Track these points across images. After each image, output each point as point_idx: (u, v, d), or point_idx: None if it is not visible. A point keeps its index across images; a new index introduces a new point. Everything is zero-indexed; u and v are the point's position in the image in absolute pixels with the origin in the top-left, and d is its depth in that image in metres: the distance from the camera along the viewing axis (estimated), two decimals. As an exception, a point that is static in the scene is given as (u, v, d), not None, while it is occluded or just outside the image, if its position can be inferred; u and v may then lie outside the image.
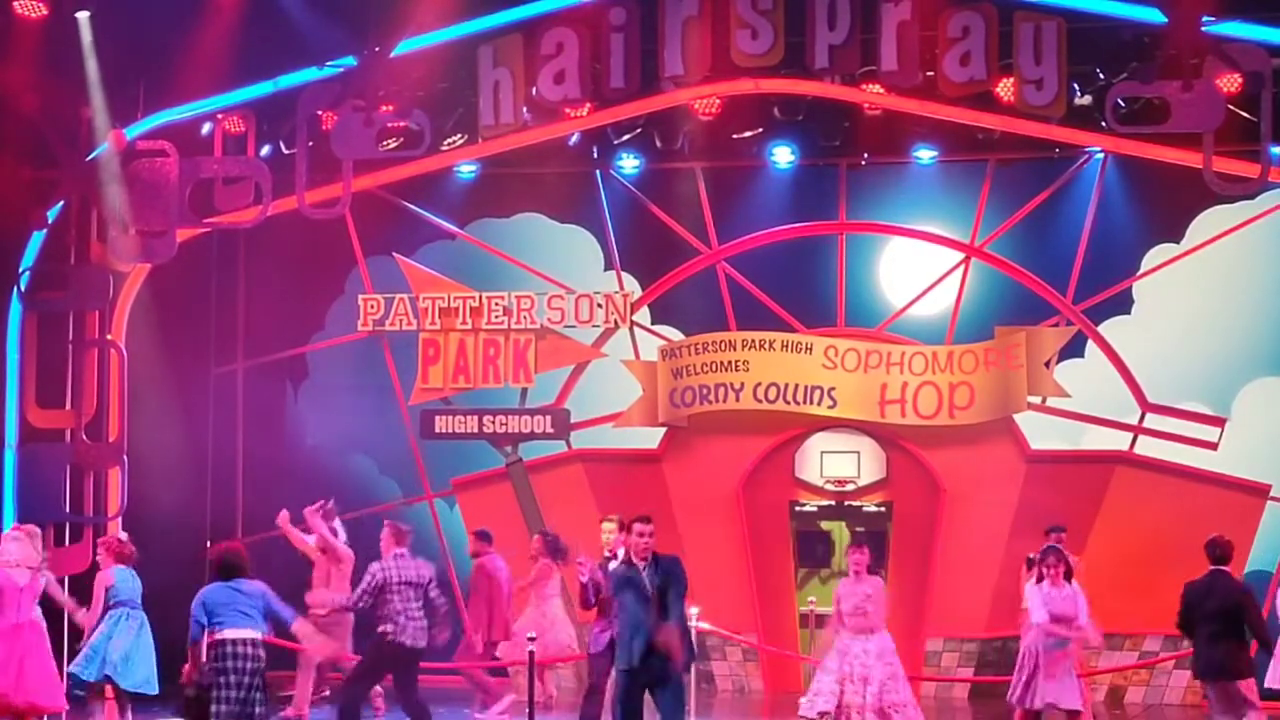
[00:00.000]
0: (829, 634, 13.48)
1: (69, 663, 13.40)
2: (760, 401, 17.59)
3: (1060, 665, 12.77)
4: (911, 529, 17.52)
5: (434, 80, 16.50)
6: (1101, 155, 17.20)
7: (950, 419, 17.38)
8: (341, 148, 16.07)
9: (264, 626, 10.92)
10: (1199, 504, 16.49)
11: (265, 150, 16.70)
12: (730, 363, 17.72)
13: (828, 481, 17.76)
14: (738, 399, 17.62)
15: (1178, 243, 17.35)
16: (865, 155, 17.71)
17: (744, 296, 18.01)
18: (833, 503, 17.82)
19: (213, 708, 10.71)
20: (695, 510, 17.44)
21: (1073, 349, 17.40)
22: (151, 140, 16.61)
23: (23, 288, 17.01)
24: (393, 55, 16.07)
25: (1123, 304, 17.49)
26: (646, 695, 10.94)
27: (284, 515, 14.84)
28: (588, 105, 16.49)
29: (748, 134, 17.31)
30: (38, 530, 13.13)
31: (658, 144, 17.35)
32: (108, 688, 13.46)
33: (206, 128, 16.76)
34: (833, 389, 17.55)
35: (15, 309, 17.00)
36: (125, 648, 13.23)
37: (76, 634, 13.72)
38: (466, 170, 18.25)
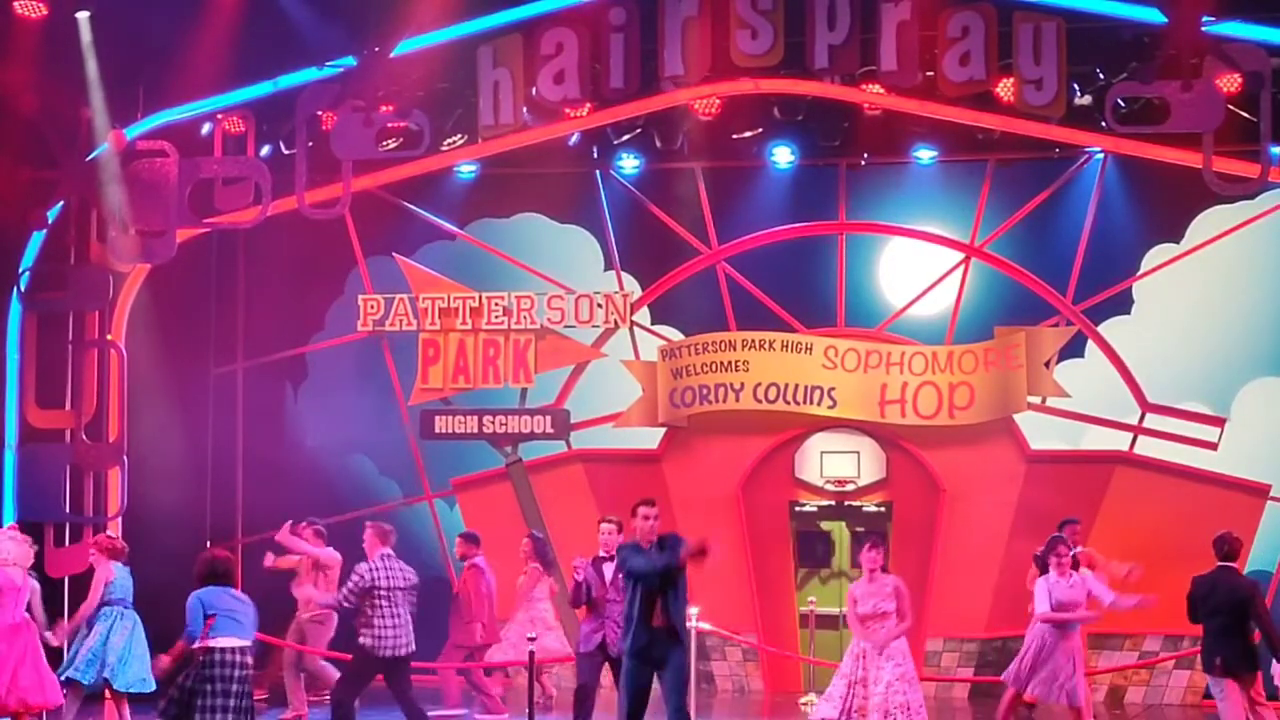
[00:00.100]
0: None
1: (66, 664, 13.35)
2: (760, 401, 17.59)
3: (1063, 660, 12.80)
4: (911, 529, 17.52)
5: (434, 80, 16.50)
6: (1101, 155, 17.20)
7: (950, 419, 17.38)
8: (341, 148, 16.07)
9: (253, 635, 10.89)
10: (1199, 504, 16.49)
11: (265, 150, 16.71)
12: (730, 363, 17.72)
13: (828, 481, 17.76)
14: (738, 399, 17.62)
15: (1178, 243, 17.35)
16: (865, 155, 17.71)
17: (744, 296, 18.01)
18: (833, 503, 17.82)
19: (198, 716, 10.62)
20: (695, 510, 17.43)
21: (1073, 349, 17.40)
22: (151, 140, 16.61)
23: (23, 288, 17.02)
24: (392, 55, 16.07)
25: (1123, 304, 17.49)
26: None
27: (285, 531, 14.87)
28: (587, 105, 16.49)
29: (748, 134, 17.31)
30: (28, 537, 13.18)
31: (658, 144, 17.35)
32: (106, 689, 13.50)
33: (206, 128, 16.77)
34: (833, 389, 17.56)
35: (15, 309, 17.01)
36: (121, 649, 13.25)
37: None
38: (466, 170, 18.25)
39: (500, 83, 16.29)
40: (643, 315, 18.27)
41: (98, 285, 17.15)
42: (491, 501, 18.13)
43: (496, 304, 18.11)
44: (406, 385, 18.36)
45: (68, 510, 16.88)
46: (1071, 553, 13.37)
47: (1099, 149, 16.95)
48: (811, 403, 17.60)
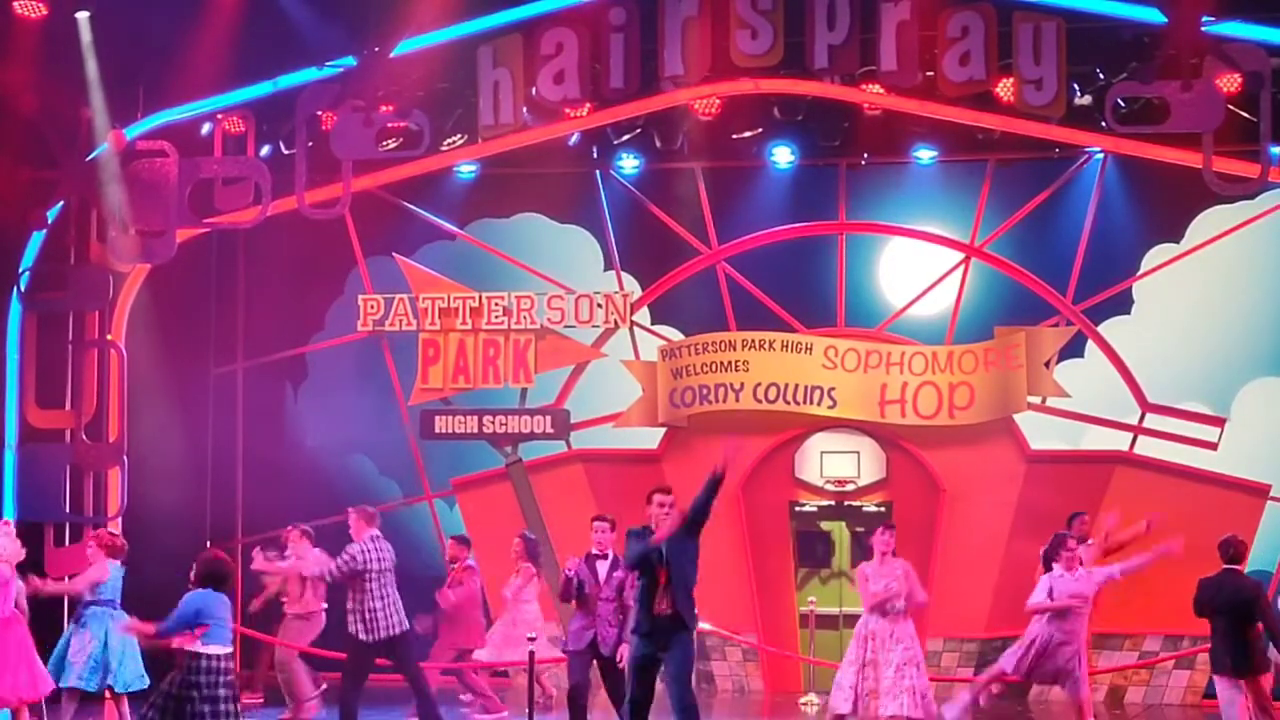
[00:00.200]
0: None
1: (66, 672, 13.32)
2: (760, 401, 17.59)
3: (1069, 653, 12.81)
4: (911, 529, 17.45)
5: (434, 80, 16.50)
6: (1101, 155, 17.20)
7: (950, 419, 17.37)
8: (341, 148, 16.07)
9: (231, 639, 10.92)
10: (1199, 504, 16.47)
11: (265, 150, 16.70)
12: (730, 363, 17.71)
13: (828, 481, 17.75)
14: (738, 399, 17.62)
15: (1178, 243, 17.35)
16: (865, 155, 17.71)
17: (744, 296, 18.01)
18: (833, 503, 17.82)
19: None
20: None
21: (1073, 349, 17.40)
22: (151, 140, 16.61)
23: (23, 288, 17.01)
24: (392, 55, 16.07)
25: (1123, 304, 17.49)
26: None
27: (259, 561, 15.00)
28: (587, 105, 16.49)
29: (748, 134, 17.31)
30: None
31: (657, 144, 17.35)
32: (107, 690, 13.51)
33: (206, 128, 16.76)
34: (833, 389, 17.55)
35: (15, 309, 17.00)
36: (118, 650, 13.27)
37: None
38: (466, 170, 18.25)
39: (500, 83, 16.29)
40: (643, 315, 18.27)
41: (98, 285, 17.15)
42: (491, 502, 18.13)
43: (496, 304, 18.10)
44: (406, 385, 18.36)
45: (68, 510, 16.88)
46: (1079, 547, 13.37)
47: (1099, 149, 16.94)
48: (811, 403, 17.60)
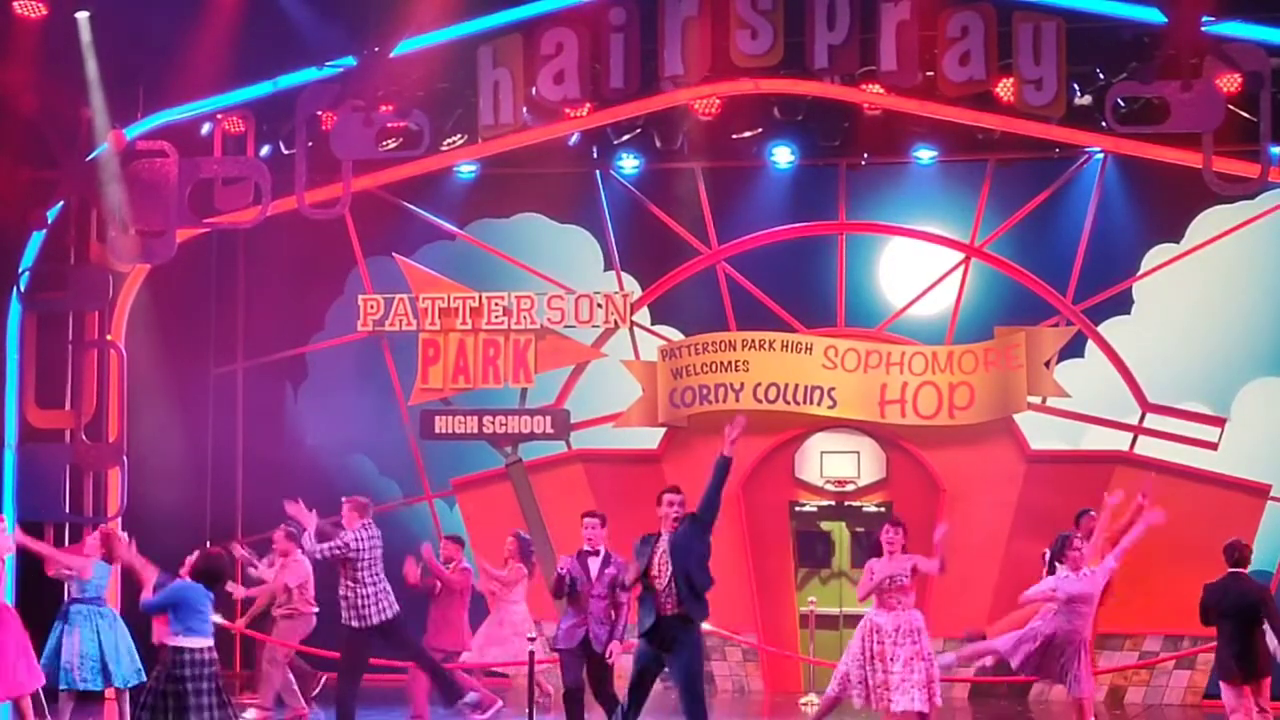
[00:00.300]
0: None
1: (63, 673, 13.32)
2: (760, 402, 17.58)
3: (1073, 650, 12.79)
4: (911, 529, 17.42)
5: (434, 80, 16.50)
6: (1101, 155, 17.19)
7: (950, 419, 17.37)
8: (341, 148, 16.07)
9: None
10: (1199, 504, 16.46)
11: (265, 150, 16.71)
12: (730, 363, 17.71)
13: (828, 481, 17.76)
14: (738, 399, 17.60)
15: (1178, 243, 17.34)
16: (865, 155, 17.70)
17: (744, 296, 18.00)
18: (833, 503, 17.82)
19: (190, 716, 10.74)
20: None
21: (1073, 349, 17.39)
22: (151, 140, 16.62)
23: (22, 288, 17.02)
24: (392, 55, 16.07)
25: (1123, 304, 17.48)
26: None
27: (239, 591, 15.08)
28: (587, 105, 16.50)
29: (747, 134, 17.30)
30: None
31: (657, 144, 17.35)
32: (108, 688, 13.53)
33: (206, 128, 16.77)
34: (833, 389, 17.55)
35: (15, 309, 17.01)
36: (111, 649, 13.29)
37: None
38: (466, 170, 18.25)
39: (500, 83, 16.29)
40: (643, 315, 18.26)
41: (98, 285, 17.17)
42: (491, 502, 18.13)
43: (496, 304, 18.10)
44: (406, 385, 18.36)
45: (67, 510, 16.90)
46: (1084, 545, 13.35)
47: (1099, 149, 16.94)
48: (811, 403, 17.60)
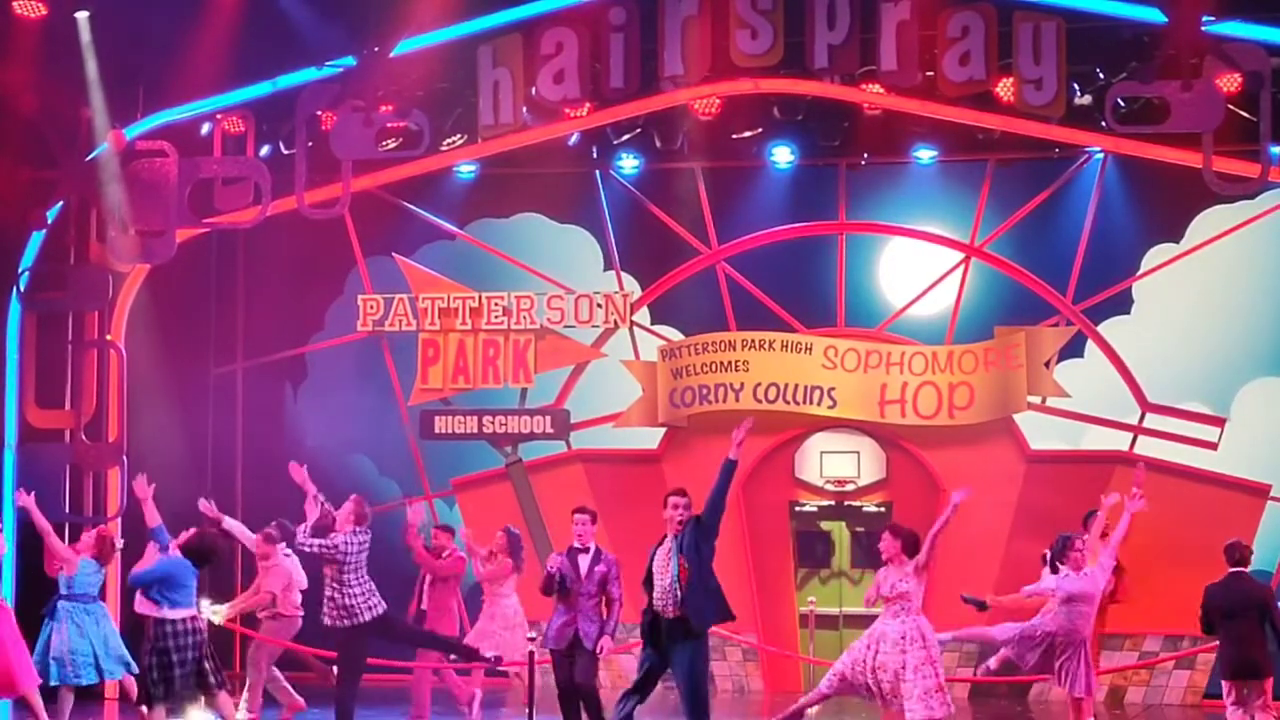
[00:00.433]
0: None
1: (54, 670, 13.34)
2: (760, 401, 17.58)
3: (1074, 649, 12.79)
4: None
5: (433, 80, 16.50)
6: (1101, 155, 17.20)
7: (950, 419, 17.38)
8: (341, 148, 16.05)
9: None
10: (1199, 504, 16.48)
11: (265, 150, 16.69)
12: (730, 363, 17.72)
13: (828, 481, 17.76)
14: (737, 399, 17.61)
15: (1177, 243, 17.34)
16: (865, 155, 17.70)
17: (744, 296, 18.00)
18: (833, 503, 17.83)
19: (156, 690, 11.19)
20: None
21: (1072, 349, 17.39)
22: (151, 140, 16.59)
23: (22, 288, 17.00)
24: (392, 55, 16.05)
25: (1122, 304, 17.48)
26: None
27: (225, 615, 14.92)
28: (587, 105, 16.49)
29: (747, 134, 17.30)
30: None
31: (657, 144, 17.34)
32: (108, 687, 13.54)
33: (206, 128, 16.75)
34: (832, 389, 17.55)
35: (15, 309, 16.99)
36: (101, 642, 13.32)
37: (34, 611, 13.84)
38: (466, 170, 18.25)
39: (500, 83, 16.28)
40: (643, 315, 18.26)
41: (98, 285, 17.15)
42: (491, 502, 18.12)
43: (496, 304, 18.11)
44: (406, 385, 18.36)
45: (67, 510, 16.87)
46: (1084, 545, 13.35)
47: (1099, 149, 16.94)
48: (811, 403, 17.60)
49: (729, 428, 17.68)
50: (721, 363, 17.72)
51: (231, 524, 14.81)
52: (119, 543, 14.69)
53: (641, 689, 11.29)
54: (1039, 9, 15.34)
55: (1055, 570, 13.23)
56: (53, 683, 13.24)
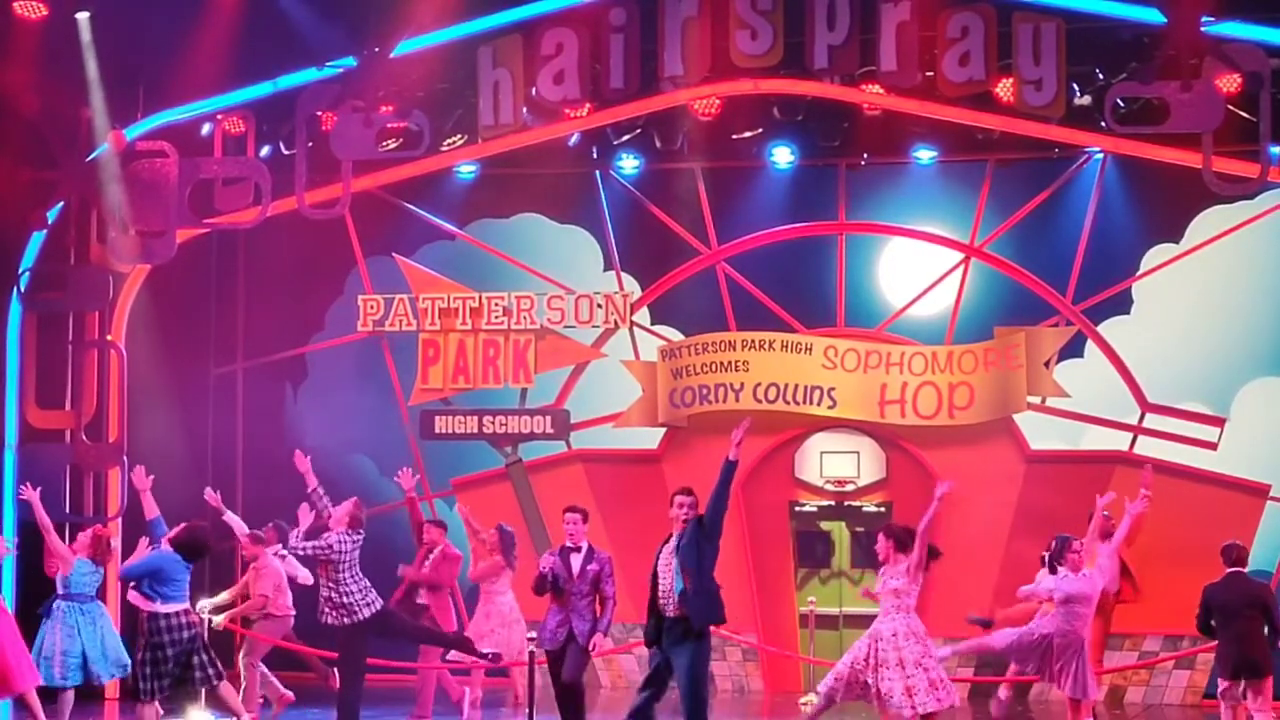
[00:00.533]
0: None
1: (45, 670, 13.36)
2: (760, 402, 17.59)
3: (1074, 650, 12.79)
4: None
5: (433, 80, 16.51)
6: (1101, 155, 17.20)
7: (950, 419, 17.38)
8: (341, 148, 16.07)
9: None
10: (1199, 504, 16.49)
11: (265, 151, 16.72)
12: (730, 363, 17.72)
13: (827, 482, 17.77)
14: (737, 399, 17.62)
15: (1177, 243, 17.35)
16: (865, 155, 17.71)
17: (744, 297, 18.01)
18: (832, 503, 17.83)
19: (146, 684, 11.31)
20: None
21: (1072, 349, 17.40)
22: (151, 141, 16.60)
23: (22, 288, 17.01)
24: (392, 56, 16.07)
25: (1122, 304, 17.49)
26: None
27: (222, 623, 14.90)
28: (587, 105, 16.50)
29: (747, 134, 17.31)
30: None
31: (657, 144, 17.36)
32: (108, 687, 13.56)
33: (206, 128, 16.77)
34: (832, 389, 17.56)
35: (15, 309, 17.00)
36: (96, 643, 13.33)
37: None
38: (466, 171, 18.26)
39: (500, 83, 16.30)
40: (643, 315, 18.27)
41: (98, 285, 17.15)
42: (491, 502, 18.10)
43: (496, 304, 18.12)
44: (406, 385, 18.37)
45: (68, 510, 16.88)
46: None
47: (1099, 149, 16.95)
48: (811, 403, 17.61)
49: (729, 428, 17.72)
50: (721, 363, 17.73)
51: (231, 518, 14.80)
52: (115, 543, 14.68)
53: (652, 683, 11.29)
54: (1039, 10, 15.35)
55: (1054, 571, 13.24)
56: (45, 682, 13.24)
